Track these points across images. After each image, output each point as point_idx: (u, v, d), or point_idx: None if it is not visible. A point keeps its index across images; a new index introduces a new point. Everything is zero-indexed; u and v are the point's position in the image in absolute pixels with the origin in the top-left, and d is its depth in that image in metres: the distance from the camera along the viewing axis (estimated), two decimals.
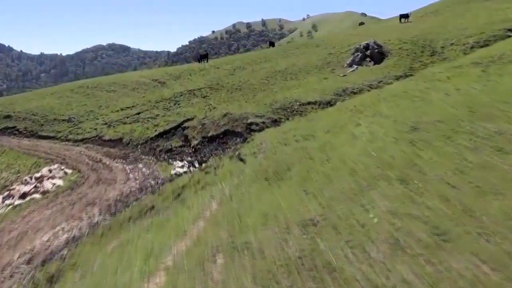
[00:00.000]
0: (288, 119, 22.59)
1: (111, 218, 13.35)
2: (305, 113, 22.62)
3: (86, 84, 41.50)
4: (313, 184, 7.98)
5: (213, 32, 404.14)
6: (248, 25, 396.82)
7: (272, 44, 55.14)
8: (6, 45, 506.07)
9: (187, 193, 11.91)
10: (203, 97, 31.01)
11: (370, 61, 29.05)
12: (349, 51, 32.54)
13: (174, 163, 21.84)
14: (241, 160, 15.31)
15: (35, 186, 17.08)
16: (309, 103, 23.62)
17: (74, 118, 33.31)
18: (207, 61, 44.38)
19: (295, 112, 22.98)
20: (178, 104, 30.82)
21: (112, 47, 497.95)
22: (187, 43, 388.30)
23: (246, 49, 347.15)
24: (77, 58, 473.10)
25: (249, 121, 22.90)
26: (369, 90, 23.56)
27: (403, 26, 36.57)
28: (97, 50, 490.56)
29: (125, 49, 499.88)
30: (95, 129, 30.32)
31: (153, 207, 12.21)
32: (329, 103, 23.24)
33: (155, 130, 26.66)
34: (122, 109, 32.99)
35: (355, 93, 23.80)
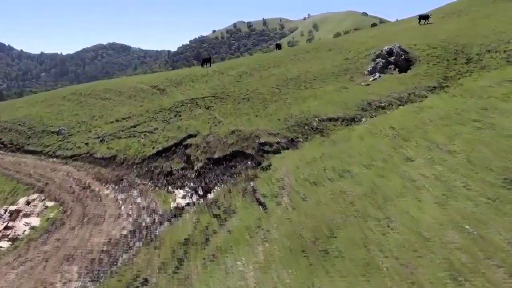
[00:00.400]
0: (306, 138, 19.45)
1: (92, 284, 10.24)
2: (326, 132, 19.47)
3: (80, 91, 38.35)
4: (383, 279, 5.40)
5: (214, 31, 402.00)
6: (249, 25, 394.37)
7: (278, 46, 51.91)
8: (6, 44, 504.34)
9: (191, 266, 8.75)
10: (207, 108, 27.86)
11: (394, 69, 25.86)
12: (368, 56, 29.36)
13: (175, 191, 18.71)
14: (260, 204, 12.19)
15: (6, 227, 13.95)
16: (329, 119, 20.47)
17: (64, 130, 30.20)
18: (210, 65, 41.25)
19: (314, 129, 19.84)
20: (179, 116, 27.67)
21: (112, 47, 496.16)
22: (188, 43, 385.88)
23: (247, 49, 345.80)
24: (77, 58, 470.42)
25: (261, 140, 19.75)
26: (400, 104, 20.42)
27: (425, 29, 33.38)
28: (97, 50, 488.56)
29: (125, 49, 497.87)
30: (87, 143, 27.19)
31: (146, 282, 9.07)
32: (354, 120, 20.10)
33: (153, 148, 23.53)
34: (117, 120, 29.84)
35: (382, 108, 20.64)
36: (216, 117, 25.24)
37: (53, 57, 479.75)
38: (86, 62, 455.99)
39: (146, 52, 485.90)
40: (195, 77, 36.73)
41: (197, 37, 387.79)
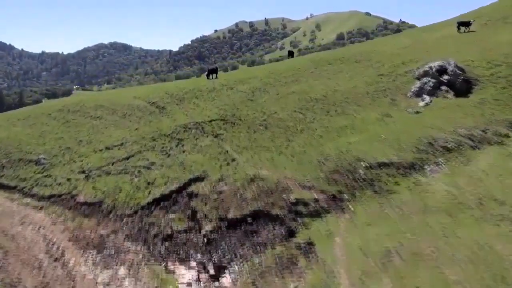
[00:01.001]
0: (353, 194, 14.50)
1: None
2: (380, 186, 14.50)
3: (68, 107, 33.42)
4: None
5: (216, 31, 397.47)
6: (251, 24, 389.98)
7: (291, 54, 46.83)
8: (7, 44, 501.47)
9: None
10: (215, 136, 22.90)
11: (448, 91, 20.86)
12: (409, 73, 24.34)
13: (176, 269, 13.78)
14: None
15: None
16: (380, 164, 15.51)
17: (44, 159, 25.33)
18: (217, 77, 36.30)
19: (362, 181, 14.88)
20: (182, 146, 22.72)
21: (113, 46, 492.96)
22: (189, 42, 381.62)
23: (249, 48, 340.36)
24: (78, 57, 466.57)
25: (292, 196, 14.79)
26: (473, 146, 15.44)
27: (472, 39, 28.35)
28: (98, 49, 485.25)
29: (126, 48, 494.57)
30: (69, 179, 22.27)
31: None
32: (413, 167, 15.14)
33: (149, 193, 18.61)
34: (107, 148, 24.90)
35: (449, 150, 15.66)
36: (227, 152, 20.27)
37: (54, 56, 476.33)
38: (87, 62, 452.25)
39: (147, 51, 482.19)
40: (199, 93, 31.75)
41: (198, 36, 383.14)
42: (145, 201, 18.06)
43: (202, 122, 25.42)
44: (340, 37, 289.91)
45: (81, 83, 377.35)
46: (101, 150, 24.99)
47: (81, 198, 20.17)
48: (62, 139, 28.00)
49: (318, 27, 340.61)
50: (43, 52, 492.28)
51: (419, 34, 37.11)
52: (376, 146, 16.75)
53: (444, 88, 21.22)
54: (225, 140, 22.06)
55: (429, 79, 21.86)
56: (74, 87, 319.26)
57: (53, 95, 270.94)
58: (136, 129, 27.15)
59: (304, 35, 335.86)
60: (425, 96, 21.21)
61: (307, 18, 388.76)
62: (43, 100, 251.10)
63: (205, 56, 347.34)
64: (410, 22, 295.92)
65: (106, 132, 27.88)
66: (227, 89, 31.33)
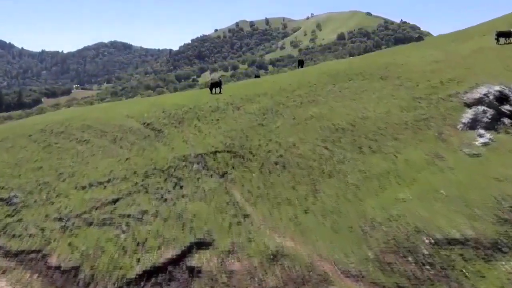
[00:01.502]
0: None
1: None
2: (457, 278, 10.44)
3: (51, 127, 29.22)
4: None
5: (216, 30, 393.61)
6: (251, 24, 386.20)
7: (301, 63, 42.60)
8: (7, 42, 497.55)
9: None
10: (221, 176, 18.79)
11: None
12: (454, 97, 20.22)
13: None
14: None
15: None
16: (450, 241, 11.40)
17: (17, 197, 21.25)
18: (220, 91, 32.20)
19: (429, 269, 10.82)
20: (180, 188, 18.63)
21: (113, 45, 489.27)
22: (190, 42, 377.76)
23: (249, 48, 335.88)
24: (78, 56, 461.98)
25: None
26: None
27: None
28: (98, 48, 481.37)
29: (126, 47, 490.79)
30: (42, 229, 18.19)
31: None
32: (497, 247, 11.05)
33: (138, 260, 14.51)
34: (91, 185, 20.80)
35: None
36: (238, 202, 16.16)
37: (54, 55, 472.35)
38: (87, 60, 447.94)
39: (148, 50, 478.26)
40: (201, 112, 27.59)
41: (199, 36, 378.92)
42: (133, 274, 13.97)
43: (204, 153, 21.31)
44: (341, 37, 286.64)
45: (81, 82, 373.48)
46: (84, 188, 20.87)
47: (53, 260, 16.07)
48: (40, 170, 23.87)
49: (318, 26, 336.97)
50: (43, 51, 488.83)
51: (448, 45, 32.91)
52: (438, 209, 12.64)
53: (506, 121, 17.11)
54: (233, 183, 17.94)
55: (486, 108, 17.73)
56: (74, 86, 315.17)
57: (52, 94, 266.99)
58: (127, 159, 23.03)
59: (305, 35, 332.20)
60: (481, 130, 17.07)
61: (307, 18, 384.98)
62: (42, 100, 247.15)
63: (205, 56, 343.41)
64: (411, 22, 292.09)
65: (92, 162, 23.74)
66: (233, 109, 27.19)
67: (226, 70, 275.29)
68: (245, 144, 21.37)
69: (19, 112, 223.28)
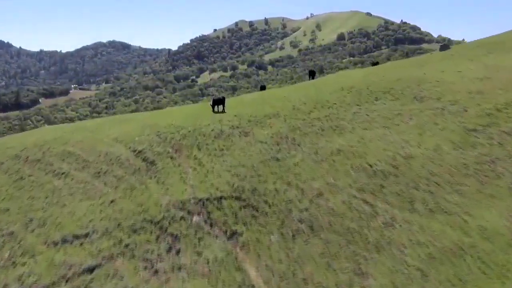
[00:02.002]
0: None
1: None
2: None
3: (27, 153, 24.84)
4: None
5: (215, 30, 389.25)
6: (251, 24, 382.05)
7: (312, 74, 38.52)
8: (5, 42, 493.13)
9: None
10: (229, 237, 14.55)
11: None
12: None
13: None
14: None
15: None
16: None
17: None
18: (224, 110, 27.97)
19: None
20: (177, 252, 14.39)
21: (112, 45, 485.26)
22: (189, 42, 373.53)
23: (249, 48, 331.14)
24: (77, 55, 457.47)
25: None
26: None
27: None
28: (97, 48, 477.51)
29: (125, 47, 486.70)
30: None
31: None
32: None
33: None
34: (64, 241, 16.55)
35: None
36: (253, 284, 11.91)
37: (53, 54, 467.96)
38: (86, 60, 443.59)
39: (146, 50, 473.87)
40: (202, 138, 23.30)
41: (198, 36, 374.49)
42: None
43: (207, 199, 17.05)
44: (340, 37, 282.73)
45: (79, 81, 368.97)
46: (55, 245, 16.59)
47: None
48: (7, 213, 19.57)
49: (318, 27, 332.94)
50: (41, 51, 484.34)
51: (486, 57, 28.54)
52: None
53: None
54: (246, 251, 13.68)
55: None
56: (72, 86, 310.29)
57: (50, 94, 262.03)
58: (112, 201, 18.77)
59: (305, 35, 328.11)
60: None
61: (307, 18, 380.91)
62: (40, 100, 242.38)
63: (204, 56, 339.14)
64: (412, 23, 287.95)
65: (69, 203, 19.45)
66: (240, 135, 22.92)
67: (225, 70, 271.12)
68: (257, 187, 17.10)
69: (16, 112, 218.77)
